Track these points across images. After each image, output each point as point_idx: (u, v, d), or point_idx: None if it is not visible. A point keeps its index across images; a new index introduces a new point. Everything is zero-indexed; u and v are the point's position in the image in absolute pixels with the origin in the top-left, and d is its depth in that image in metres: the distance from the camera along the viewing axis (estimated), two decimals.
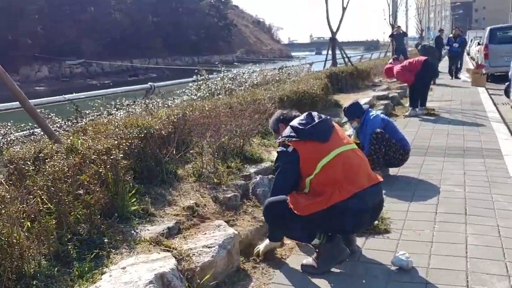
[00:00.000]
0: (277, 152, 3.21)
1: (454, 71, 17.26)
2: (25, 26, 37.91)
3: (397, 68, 9.29)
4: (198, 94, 6.93)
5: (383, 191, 3.26)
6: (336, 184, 2.93)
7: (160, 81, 8.53)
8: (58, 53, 40.92)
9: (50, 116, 4.98)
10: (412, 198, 4.51)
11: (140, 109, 5.44)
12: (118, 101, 5.88)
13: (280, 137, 3.27)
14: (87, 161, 3.25)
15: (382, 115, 5.32)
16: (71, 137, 3.75)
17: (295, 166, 3.02)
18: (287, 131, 3.15)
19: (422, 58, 9.17)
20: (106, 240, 2.85)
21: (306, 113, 3.24)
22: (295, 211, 2.95)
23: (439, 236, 3.62)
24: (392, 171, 5.40)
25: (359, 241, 3.51)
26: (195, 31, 58.20)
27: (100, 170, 3.19)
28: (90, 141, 3.56)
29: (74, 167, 3.05)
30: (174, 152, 4.23)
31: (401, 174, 5.37)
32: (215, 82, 7.55)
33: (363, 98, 10.02)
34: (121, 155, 3.39)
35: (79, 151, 3.39)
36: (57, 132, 4.35)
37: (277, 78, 9.21)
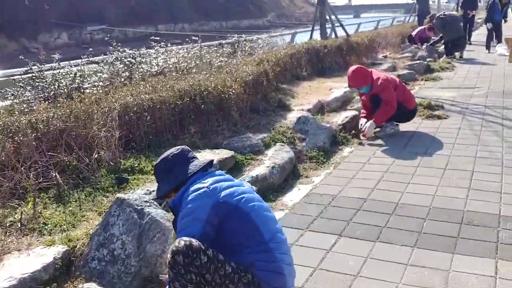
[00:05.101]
0: None
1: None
2: None
3: (379, 75, 5.13)
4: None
5: None
6: None
7: None
8: (79, 19, 38.59)
9: None
10: None
11: None
12: None
13: None
14: None
15: (231, 189, 2.07)
16: None
17: None
18: None
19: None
20: None
21: None
22: None
23: None
24: None
25: None
26: None
27: None
28: None
29: None
30: None
31: None
32: (60, 75, 4.46)
33: (339, 88, 6.67)
34: None
35: None
36: None
37: (205, 61, 5.98)
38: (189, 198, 2.02)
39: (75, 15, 38.45)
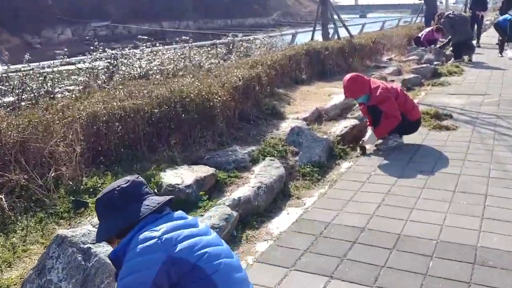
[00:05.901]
0: None
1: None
2: None
3: (379, 88, 4.51)
4: None
5: None
6: None
7: None
8: (80, 15, 38.29)
9: None
10: None
11: None
12: None
13: None
14: None
15: (191, 241, 1.60)
16: None
17: None
18: None
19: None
20: None
21: None
22: None
23: None
24: None
25: None
26: None
27: None
28: None
29: None
30: None
31: None
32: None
33: (339, 94, 6.17)
34: None
35: None
36: None
37: (195, 63, 5.50)
38: (135, 250, 1.55)
39: (77, 11, 38.12)
